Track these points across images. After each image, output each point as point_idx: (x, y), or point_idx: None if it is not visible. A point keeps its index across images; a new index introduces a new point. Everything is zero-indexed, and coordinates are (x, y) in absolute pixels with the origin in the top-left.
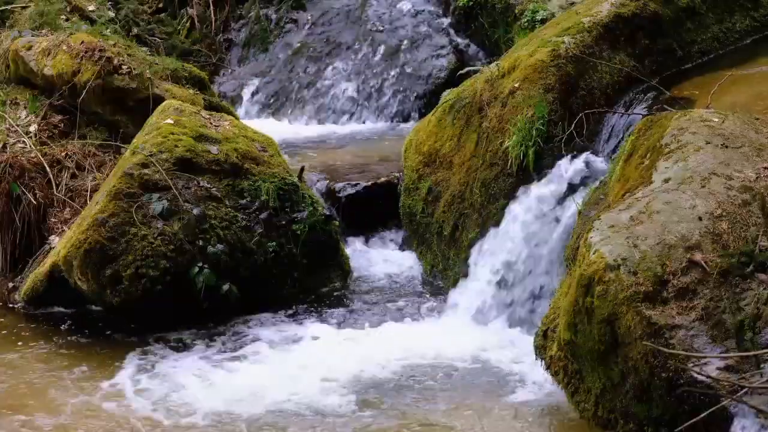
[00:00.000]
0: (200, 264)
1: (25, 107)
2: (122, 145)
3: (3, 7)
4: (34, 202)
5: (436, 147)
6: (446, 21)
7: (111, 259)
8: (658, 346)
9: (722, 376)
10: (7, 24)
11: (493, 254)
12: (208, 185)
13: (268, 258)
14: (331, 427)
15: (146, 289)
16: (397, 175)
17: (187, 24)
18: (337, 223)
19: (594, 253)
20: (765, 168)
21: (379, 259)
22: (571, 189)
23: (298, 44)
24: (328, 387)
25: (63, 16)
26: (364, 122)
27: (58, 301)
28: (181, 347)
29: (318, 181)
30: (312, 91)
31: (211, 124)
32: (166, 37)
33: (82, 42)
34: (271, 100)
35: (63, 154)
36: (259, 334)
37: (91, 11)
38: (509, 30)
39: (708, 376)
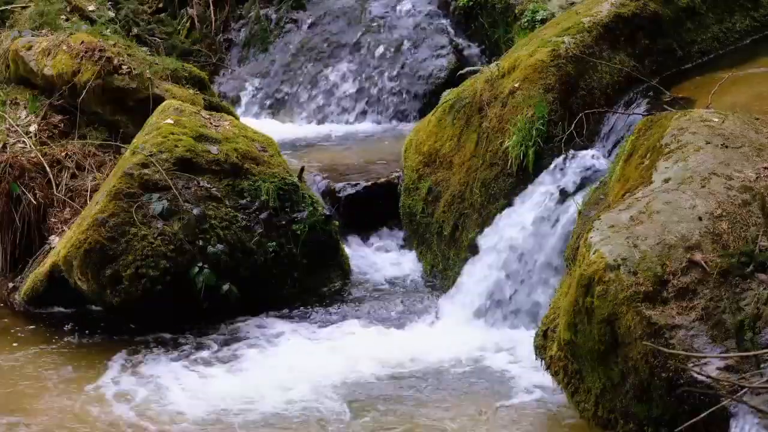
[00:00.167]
0: (200, 264)
1: (25, 107)
2: (122, 145)
3: (3, 7)
4: (34, 202)
5: (436, 147)
6: (446, 21)
7: (111, 259)
8: (658, 346)
9: (722, 376)
10: (7, 24)
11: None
12: (208, 185)
13: (268, 258)
14: (329, 431)
15: (146, 289)
16: (397, 175)
17: (187, 24)
18: (337, 223)
19: (594, 253)
20: (765, 168)
21: (379, 259)
22: (564, 194)
23: (298, 44)
24: (326, 389)
25: (63, 16)
26: (363, 122)
27: (58, 301)
28: (179, 348)
29: (318, 181)
30: (312, 91)
31: (211, 124)
32: (166, 37)
33: (82, 42)
34: (271, 100)
35: (63, 154)
36: (258, 335)
37: (91, 11)
38: (509, 30)
39: (708, 376)
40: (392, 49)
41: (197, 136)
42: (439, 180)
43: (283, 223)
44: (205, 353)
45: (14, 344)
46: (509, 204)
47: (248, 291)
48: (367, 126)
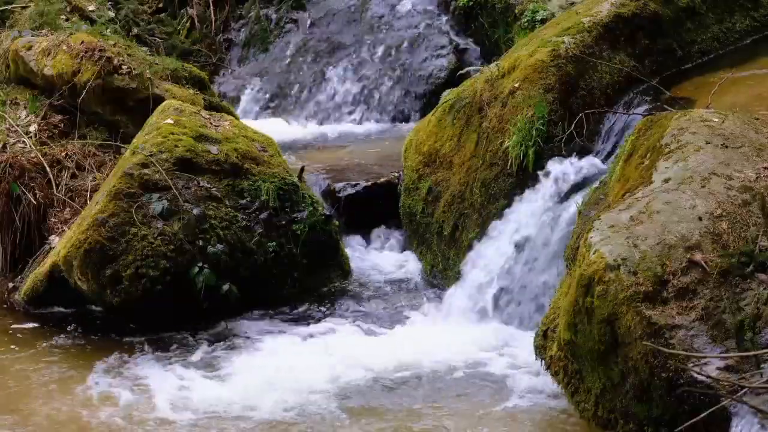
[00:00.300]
0: (200, 264)
1: (25, 107)
2: (122, 145)
3: (3, 7)
4: (34, 202)
5: (436, 147)
6: (446, 21)
7: (111, 259)
8: (658, 346)
9: (722, 376)
10: (7, 24)
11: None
12: (208, 185)
13: (268, 258)
14: None
15: (146, 289)
16: (397, 175)
17: (187, 24)
18: (337, 223)
19: (594, 253)
20: (765, 168)
21: (380, 259)
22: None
23: (298, 44)
24: (325, 391)
25: (63, 16)
26: (364, 122)
27: (58, 301)
28: (177, 348)
29: (318, 181)
30: (312, 91)
31: (211, 124)
32: (166, 37)
33: (82, 42)
34: (271, 100)
35: (63, 154)
36: (258, 335)
37: (91, 11)
38: (509, 30)
39: (708, 376)
40: (392, 49)
41: (197, 136)
42: (439, 180)
43: (283, 223)
44: (204, 354)
45: (13, 344)
46: (509, 204)
47: (248, 291)
48: (367, 126)
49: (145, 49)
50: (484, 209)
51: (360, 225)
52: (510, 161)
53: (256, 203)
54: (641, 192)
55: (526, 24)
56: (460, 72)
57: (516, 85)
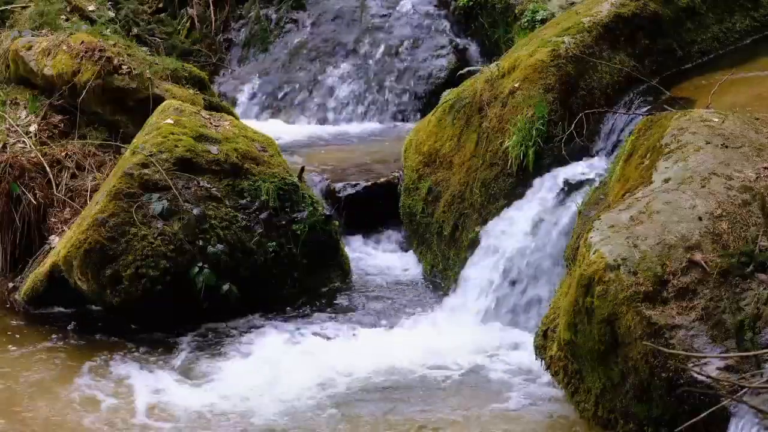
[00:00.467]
0: (200, 264)
1: (25, 107)
2: (122, 145)
3: (3, 7)
4: (34, 202)
5: (436, 147)
6: (446, 21)
7: (111, 259)
8: (658, 346)
9: (722, 376)
10: (7, 24)
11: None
12: (208, 185)
13: (268, 258)
14: None
15: (146, 289)
16: (397, 175)
17: (187, 24)
18: (337, 223)
19: (594, 253)
20: (765, 168)
21: (379, 259)
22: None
23: (298, 44)
24: (324, 390)
25: (63, 16)
26: (364, 122)
27: (58, 301)
28: (175, 349)
29: (318, 181)
30: (312, 91)
31: (211, 124)
32: (166, 37)
33: (82, 42)
34: (271, 100)
35: (63, 154)
36: (256, 336)
37: (91, 11)
38: (509, 30)
39: (708, 376)
40: (392, 49)
41: (197, 136)
42: (439, 180)
43: (283, 223)
44: (204, 354)
45: (12, 345)
46: (509, 204)
47: (248, 291)
48: (367, 126)
49: (145, 49)
50: (484, 209)
51: (360, 225)
52: (510, 161)
53: (256, 203)
54: (641, 192)
55: (526, 24)
56: (460, 72)
57: (516, 85)
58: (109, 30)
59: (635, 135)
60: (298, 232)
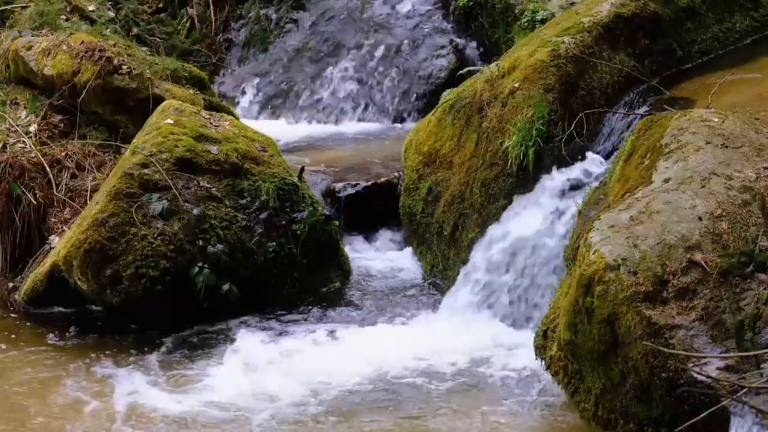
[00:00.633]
0: (200, 264)
1: (25, 107)
2: (122, 145)
3: (3, 7)
4: (34, 202)
5: (436, 147)
6: (446, 21)
7: (111, 259)
8: (658, 346)
9: (722, 376)
10: (7, 24)
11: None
12: (208, 185)
13: (268, 258)
14: None
15: (146, 289)
16: (397, 175)
17: (187, 24)
18: (337, 223)
19: (594, 253)
20: (765, 168)
21: (379, 259)
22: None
23: (298, 44)
24: (324, 391)
25: (63, 16)
26: (364, 122)
27: (58, 301)
28: (175, 350)
29: (318, 181)
30: (312, 91)
31: (211, 124)
32: (166, 37)
33: (82, 42)
34: (271, 100)
35: (63, 154)
36: (255, 336)
37: (91, 11)
38: (509, 30)
39: (708, 376)
40: (392, 49)
41: (197, 136)
42: (439, 180)
43: (283, 223)
44: (203, 355)
45: (11, 345)
46: (509, 204)
47: (248, 291)
48: (367, 126)
49: (145, 49)
50: (484, 209)
51: (360, 225)
52: (510, 161)
53: (256, 203)
54: (641, 192)
55: (526, 24)
56: (460, 72)
57: (516, 85)
58: (109, 30)
59: (635, 135)
60: (298, 232)
